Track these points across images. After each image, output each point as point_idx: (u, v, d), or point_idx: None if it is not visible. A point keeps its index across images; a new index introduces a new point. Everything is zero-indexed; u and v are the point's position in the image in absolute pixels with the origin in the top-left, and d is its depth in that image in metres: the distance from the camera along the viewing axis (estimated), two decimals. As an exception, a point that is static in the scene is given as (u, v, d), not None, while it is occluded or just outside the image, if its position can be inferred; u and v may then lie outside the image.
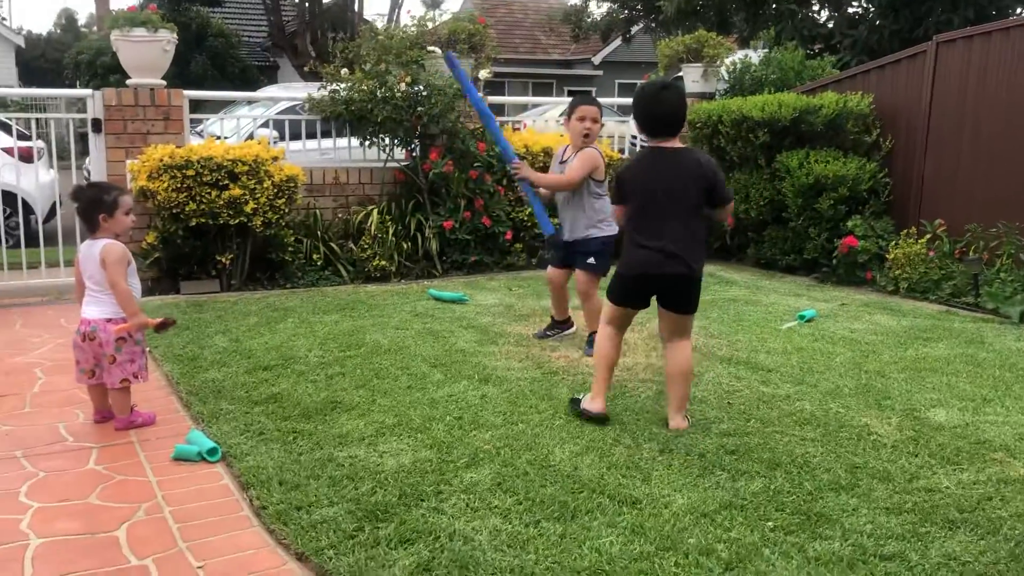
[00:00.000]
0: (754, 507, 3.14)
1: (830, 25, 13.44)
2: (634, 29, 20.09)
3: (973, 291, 6.90)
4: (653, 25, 18.28)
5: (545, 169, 8.34)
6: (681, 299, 4.00)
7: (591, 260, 5.24)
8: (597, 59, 28.48)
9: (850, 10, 13.50)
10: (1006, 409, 4.31)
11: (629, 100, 13.46)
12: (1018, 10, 12.35)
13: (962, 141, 7.67)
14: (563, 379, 4.69)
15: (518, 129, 9.38)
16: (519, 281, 7.77)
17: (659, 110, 3.94)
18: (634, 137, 11.23)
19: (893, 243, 7.56)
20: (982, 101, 7.51)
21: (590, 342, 5.13)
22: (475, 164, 8.11)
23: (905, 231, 7.65)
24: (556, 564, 2.73)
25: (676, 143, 3.98)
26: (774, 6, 13.61)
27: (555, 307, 5.63)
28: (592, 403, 4.05)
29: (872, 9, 13.09)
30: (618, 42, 23.84)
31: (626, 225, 4.09)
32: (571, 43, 27.58)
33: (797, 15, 13.25)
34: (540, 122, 10.86)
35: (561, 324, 5.66)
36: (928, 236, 7.48)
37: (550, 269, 5.56)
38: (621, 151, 9.89)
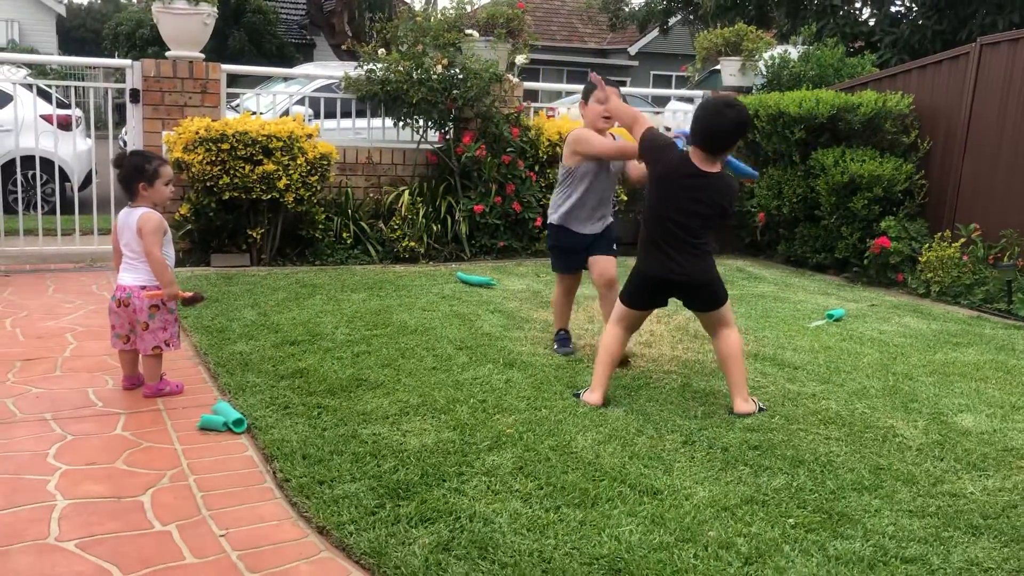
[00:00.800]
0: (775, 503, 3.13)
1: (871, 23, 13.26)
2: (672, 21, 19.91)
3: (1006, 297, 6.81)
4: (691, 17, 18.13)
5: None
6: (702, 301, 4.12)
7: (615, 245, 4.97)
8: (633, 49, 28.32)
9: (893, 8, 13.31)
10: (1035, 418, 4.26)
11: (664, 91, 13.31)
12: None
13: (1002, 146, 7.56)
14: (588, 367, 4.68)
15: (552, 116, 9.35)
16: (547, 268, 7.76)
17: (717, 127, 3.92)
18: (667, 129, 11.17)
19: (926, 246, 7.47)
20: (1021, 104, 7.39)
21: (562, 340, 5.04)
22: (508, 149, 8.10)
23: (939, 234, 7.55)
24: (575, 550, 2.74)
25: (717, 166, 3.99)
26: (815, 2, 13.46)
27: (564, 317, 5.16)
28: (591, 395, 4.12)
29: (915, 8, 12.90)
30: (655, 33, 23.67)
31: (647, 224, 4.11)
32: (608, 32, 27.44)
33: (839, 11, 13.09)
34: (575, 110, 10.81)
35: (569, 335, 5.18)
36: (962, 240, 7.38)
37: (571, 278, 5.06)
38: (654, 142, 9.81)
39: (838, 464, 3.53)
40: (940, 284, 7.20)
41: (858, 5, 13.75)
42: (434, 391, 4.16)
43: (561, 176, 4.90)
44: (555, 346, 5.04)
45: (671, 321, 5.78)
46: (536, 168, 8.35)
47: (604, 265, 4.86)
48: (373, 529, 2.82)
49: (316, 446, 3.45)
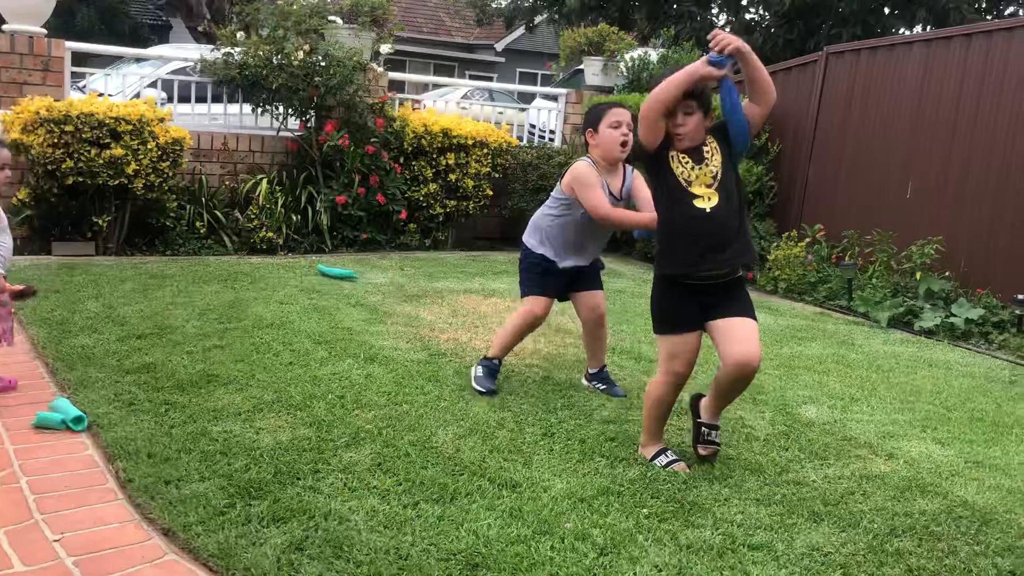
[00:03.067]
0: (631, 494, 3.19)
1: (727, 29, 13.76)
2: (538, 19, 20.14)
3: (847, 295, 7.20)
4: (556, 16, 18.37)
5: (444, 151, 8.28)
6: None
7: (600, 278, 4.49)
8: (500, 46, 28.47)
9: (747, 16, 13.88)
10: (871, 408, 4.50)
11: (530, 88, 13.35)
12: (901, 29, 12.92)
13: (845, 149, 7.99)
14: (450, 361, 4.66)
15: (417, 108, 9.28)
16: (411, 261, 7.70)
17: None
18: (532, 126, 11.28)
19: (775, 245, 7.81)
20: (865, 112, 7.83)
21: (608, 379, 4.45)
22: (372, 140, 7.98)
23: (787, 234, 7.91)
24: (432, 546, 2.71)
25: None
26: (675, 6, 13.87)
27: (516, 344, 4.43)
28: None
29: (768, 17, 13.48)
30: (521, 30, 23.90)
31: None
32: (475, 27, 27.48)
33: (696, 17, 13.54)
34: (440, 103, 10.77)
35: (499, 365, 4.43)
36: (808, 240, 7.76)
37: (547, 302, 4.28)
38: (520, 139, 9.90)
39: (690, 454, 3.63)
40: (787, 282, 7.54)
41: (715, 11, 14.26)
42: (290, 387, 4.04)
43: (551, 199, 4.28)
44: (479, 373, 4.30)
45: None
46: (401, 160, 8.27)
47: (595, 300, 4.35)
48: (222, 530, 2.71)
49: (163, 444, 3.29)
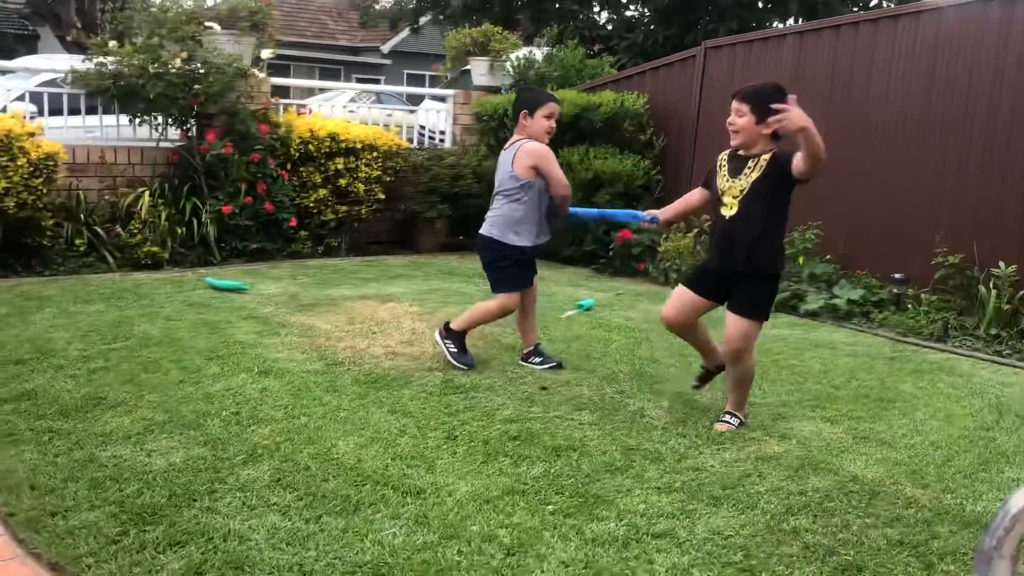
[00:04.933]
0: (535, 491, 3.21)
1: (609, 27, 14.01)
2: (422, 20, 20.05)
3: (735, 282, 7.40)
4: (441, 17, 18.33)
5: (332, 156, 8.17)
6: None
7: None
8: (386, 48, 28.24)
9: (628, 14, 14.14)
10: (763, 391, 4.64)
11: (419, 90, 13.31)
12: (776, 23, 13.38)
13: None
14: (348, 370, 4.59)
15: (303, 113, 9.12)
16: (304, 269, 7.56)
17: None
18: (422, 127, 11.22)
19: (664, 237, 7.98)
20: (744, 105, 8.07)
21: (540, 353, 4.88)
22: (257, 147, 7.80)
23: (675, 225, 8.08)
24: (337, 559, 2.66)
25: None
26: (557, 5, 14.03)
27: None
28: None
29: (648, 14, 13.76)
30: (407, 32, 23.74)
31: (782, 224, 3.96)
32: (359, 30, 27.17)
33: (578, 15, 13.72)
34: (327, 107, 10.60)
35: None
36: (696, 231, 7.95)
37: (518, 296, 4.78)
38: (409, 140, 9.84)
39: (592, 448, 3.67)
40: (678, 271, 7.71)
41: (596, 9, 14.48)
42: (182, 406, 3.92)
43: (510, 189, 4.63)
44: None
45: (432, 318, 5.79)
46: (288, 166, 8.11)
47: (535, 280, 4.91)
48: (115, 559, 2.60)
49: (47, 474, 3.14)
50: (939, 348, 5.85)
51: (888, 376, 5.08)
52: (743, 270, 3.86)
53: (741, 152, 3.93)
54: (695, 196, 4.20)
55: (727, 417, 4.05)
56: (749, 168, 3.84)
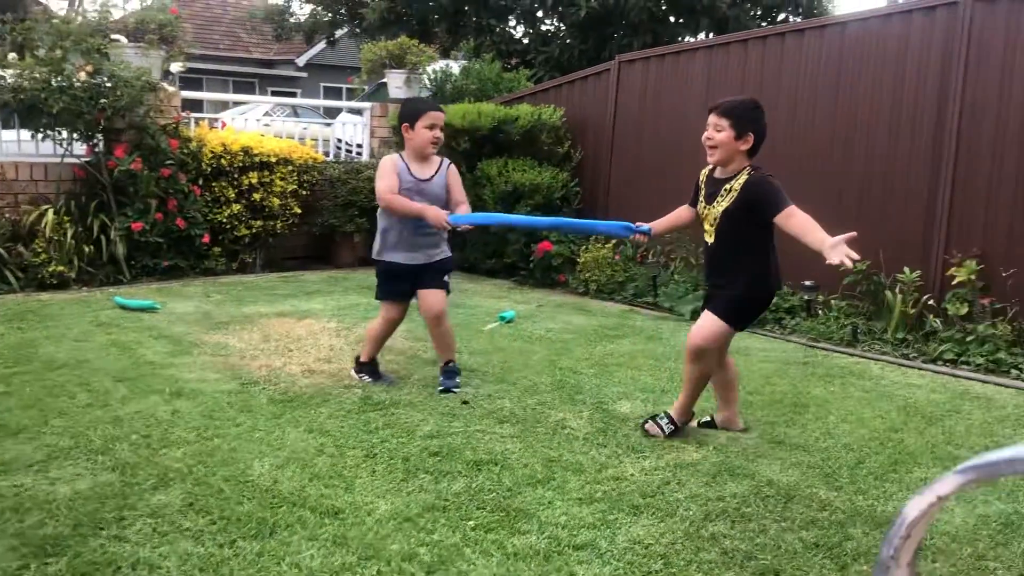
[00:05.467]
0: (456, 507, 3.17)
1: (525, 41, 14.10)
2: (339, 33, 19.89)
3: (652, 292, 7.51)
4: (357, 30, 18.21)
5: (246, 170, 8.02)
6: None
7: (447, 279, 4.66)
8: (301, 61, 27.93)
9: (543, 28, 14.25)
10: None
11: (335, 103, 13.18)
12: (687, 37, 13.65)
13: (641, 150, 8.35)
14: (263, 389, 4.49)
15: (215, 127, 8.93)
16: (218, 287, 7.39)
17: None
18: (339, 140, 11.12)
19: (583, 248, 8.04)
20: (658, 115, 8.21)
21: (448, 372, 4.64)
22: (167, 162, 7.61)
23: (594, 237, 8.16)
24: (253, 584, 2.59)
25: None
26: (474, 19, 14.06)
27: (379, 347, 4.79)
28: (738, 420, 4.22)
29: (563, 29, 13.89)
30: (323, 45, 23.53)
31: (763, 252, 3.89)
32: (274, 43, 26.80)
33: (495, 29, 13.78)
34: (240, 121, 10.42)
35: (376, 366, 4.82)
36: (614, 242, 8.04)
37: (396, 307, 4.66)
38: (326, 154, 9.73)
39: (513, 461, 3.66)
40: (597, 282, 7.79)
41: (513, 23, 14.56)
42: (89, 430, 3.77)
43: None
44: (364, 379, 4.70)
45: (350, 334, 5.72)
46: (200, 181, 7.93)
47: (431, 300, 4.55)
48: (15, 595, 2.48)
49: (-59, 508, 2.98)
50: (849, 352, 6.02)
51: (801, 381, 5.20)
52: (724, 291, 3.90)
53: (717, 173, 3.89)
54: (684, 213, 4.20)
55: (662, 419, 4.04)
56: (721, 196, 3.81)
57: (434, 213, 4.35)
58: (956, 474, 0.77)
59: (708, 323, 3.86)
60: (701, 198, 3.97)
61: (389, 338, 4.83)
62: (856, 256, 3.33)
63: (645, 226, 4.22)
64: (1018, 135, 5.93)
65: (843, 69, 6.88)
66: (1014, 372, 5.49)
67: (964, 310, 5.91)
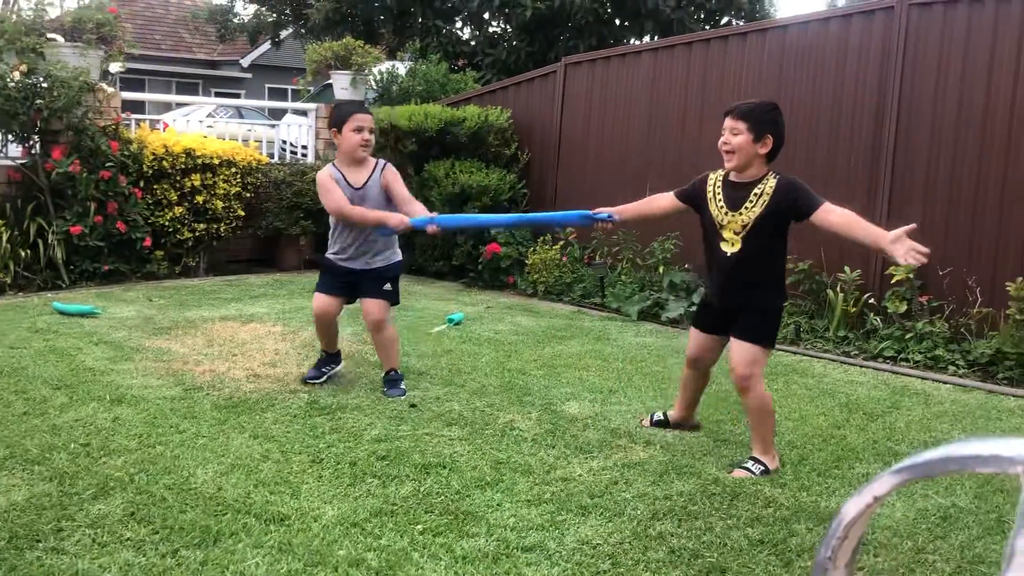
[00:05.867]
0: (404, 512, 3.15)
1: (472, 43, 14.08)
2: (283, 33, 19.66)
3: (599, 292, 7.55)
4: (303, 31, 18.03)
5: (188, 173, 7.89)
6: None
7: (388, 287, 4.61)
8: (246, 61, 27.55)
9: (491, 30, 14.26)
10: (628, 398, 4.73)
11: (280, 104, 13.08)
12: (633, 40, 13.76)
13: (588, 153, 8.39)
14: (207, 395, 4.42)
15: (157, 128, 8.77)
16: (160, 291, 7.26)
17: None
18: (284, 142, 11.00)
19: (531, 249, 8.06)
20: (604, 117, 8.27)
21: (389, 381, 4.64)
22: (107, 164, 7.45)
23: (541, 238, 8.19)
24: (196, 594, 2.54)
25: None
26: (420, 20, 14.00)
27: (327, 340, 4.78)
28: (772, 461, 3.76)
29: (510, 31, 13.91)
30: (267, 45, 23.25)
31: (784, 253, 3.77)
32: (217, 44, 26.43)
33: (441, 31, 13.74)
34: (182, 122, 10.24)
35: (335, 357, 4.87)
36: (561, 243, 8.07)
37: (323, 299, 4.61)
38: (271, 155, 9.62)
39: (462, 464, 3.65)
40: (545, 284, 7.81)
41: (459, 25, 14.54)
42: (25, 439, 3.67)
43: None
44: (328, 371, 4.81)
45: (296, 338, 5.66)
46: (142, 184, 7.77)
47: (368, 307, 4.58)
48: (-53, 612, 2.41)
49: None
50: (792, 351, 6.12)
51: (746, 379, 5.26)
52: (747, 307, 3.69)
53: (733, 177, 3.67)
54: (663, 202, 3.97)
55: (750, 464, 3.69)
56: (751, 202, 3.58)
57: (397, 220, 4.33)
58: (891, 474, 0.78)
59: (746, 351, 3.63)
60: (718, 204, 3.68)
61: (330, 332, 4.74)
62: (924, 249, 3.11)
63: (605, 213, 4.02)
64: (952, 136, 6.09)
65: (785, 72, 7.00)
66: (951, 368, 5.62)
67: (903, 308, 6.05)
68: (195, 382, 4.62)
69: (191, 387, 4.54)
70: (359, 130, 4.42)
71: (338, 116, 4.49)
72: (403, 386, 4.65)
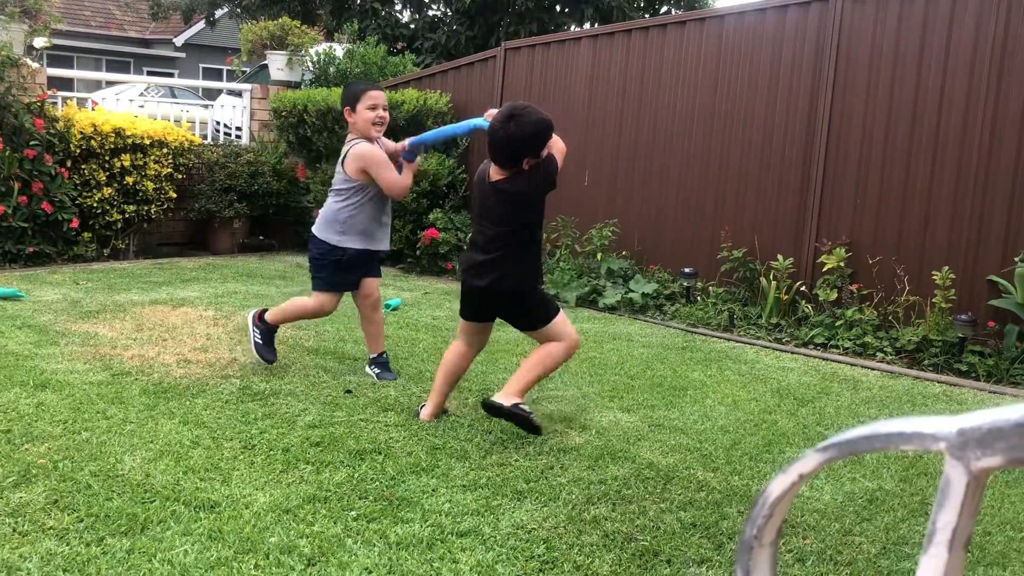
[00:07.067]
0: (338, 498, 3.12)
1: (412, 26, 13.96)
2: (218, 13, 19.25)
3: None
4: (238, 10, 17.67)
5: (118, 153, 7.69)
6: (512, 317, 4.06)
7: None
8: (179, 40, 26.94)
9: (431, 14, 14.14)
10: (564, 384, 4.75)
11: (214, 83, 12.85)
12: (573, 26, 13.78)
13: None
14: (136, 380, 4.32)
15: (85, 107, 8.52)
16: (88, 274, 7.06)
17: (492, 139, 3.89)
18: (218, 123, 10.78)
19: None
20: (543, 101, 8.23)
21: (382, 364, 4.64)
22: (32, 143, 7.21)
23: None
24: (122, 584, 2.48)
25: (512, 175, 3.93)
26: (358, 2, 13.84)
27: (288, 320, 4.73)
28: (425, 410, 4.05)
29: (450, 15, 13.82)
30: (201, 25, 22.76)
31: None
32: (150, 22, 25.76)
33: (380, 13, 13.59)
34: (112, 100, 9.97)
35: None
36: (501, 228, 8.05)
37: (333, 299, 4.58)
38: (204, 136, 9.41)
39: (397, 450, 3.62)
40: (484, 270, 7.78)
41: (399, 8, 14.40)
42: (-58, 426, 3.54)
43: (342, 189, 4.44)
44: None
45: (228, 323, 5.55)
46: (69, 163, 7.55)
47: (369, 287, 4.58)
48: None
49: None
50: (726, 337, 6.21)
51: (680, 365, 5.33)
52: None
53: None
54: None
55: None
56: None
57: (408, 168, 4.48)
58: (817, 452, 0.79)
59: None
60: None
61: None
62: None
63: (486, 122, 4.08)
64: (883, 128, 6.22)
65: (722, 61, 7.07)
66: (879, 355, 5.77)
67: (833, 296, 6.18)
68: (123, 367, 4.51)
69: (119, 372, 4.42)
70: (373, 108, 4.38)
71: (351, 94, 4.43)
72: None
